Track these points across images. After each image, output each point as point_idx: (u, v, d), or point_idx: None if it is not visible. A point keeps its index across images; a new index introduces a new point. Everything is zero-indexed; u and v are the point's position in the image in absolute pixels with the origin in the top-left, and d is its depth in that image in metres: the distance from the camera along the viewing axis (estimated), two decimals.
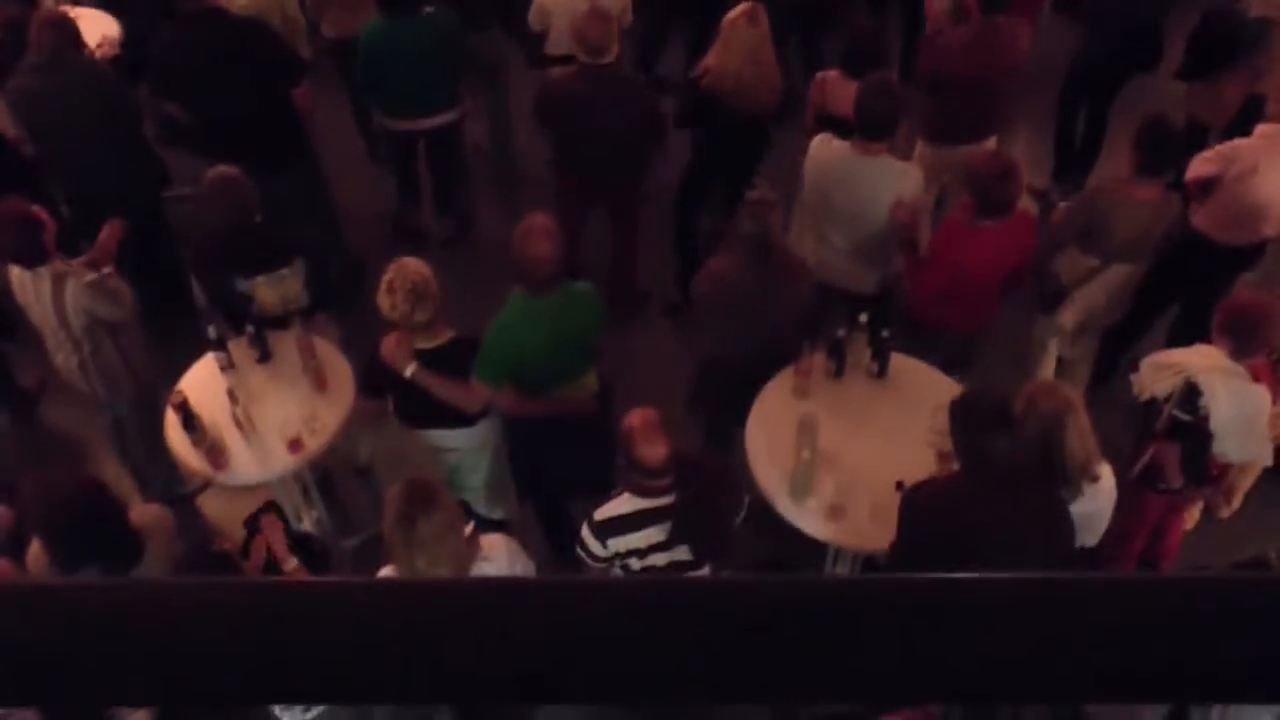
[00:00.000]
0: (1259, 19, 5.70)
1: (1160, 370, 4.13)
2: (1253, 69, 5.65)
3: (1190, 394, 4.01)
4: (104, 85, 5.27)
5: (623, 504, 3.67)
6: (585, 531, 3.71)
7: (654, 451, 3.51)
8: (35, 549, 3.57)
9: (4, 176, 5.23)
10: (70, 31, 5.11)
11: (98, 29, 6.16)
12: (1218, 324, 4.09)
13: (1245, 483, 4.43)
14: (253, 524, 3.95)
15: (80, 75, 5.12)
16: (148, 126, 5.86)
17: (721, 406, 4.58)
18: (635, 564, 3.69)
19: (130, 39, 6.14)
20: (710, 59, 5.30)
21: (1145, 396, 4.15)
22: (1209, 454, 4.10)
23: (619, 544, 3.66)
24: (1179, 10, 6.30)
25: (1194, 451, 4.11)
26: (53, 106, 5.10)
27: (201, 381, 4.55)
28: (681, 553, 3.67)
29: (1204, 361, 4.04)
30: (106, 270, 4.57)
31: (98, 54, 5.83)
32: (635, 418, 3.57)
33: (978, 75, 5.36)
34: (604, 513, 3.68)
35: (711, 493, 3.68)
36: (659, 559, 3.68)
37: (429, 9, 5.60)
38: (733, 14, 5.20)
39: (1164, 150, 4.56)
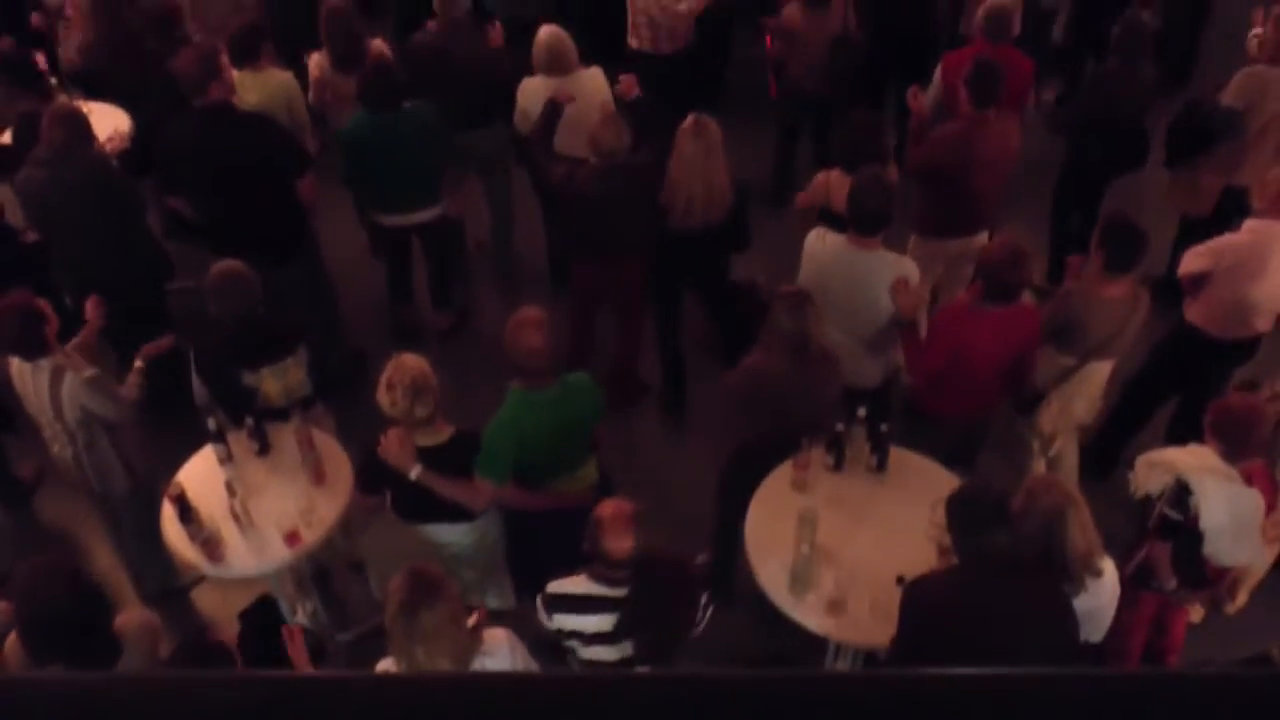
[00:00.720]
0: (1229, 109, 5.84)
1: (1153, 468, 4.13)
2: (1228, 157, 5.76)
3: (1181, 493, 4.00)
4: (108, 178, 5.32)
5: (577, 584, 3.68)
6: (538, 600, 3.74)
7: (620, 544, 3.54)
8: (12, 640, 3.52)
9: (9, 267, 5.28)
10: (80, 126, 5.19)
11: (109, 123, 6.27)
12: (1208, 425, 4.10)
13: (1251, 579, 4.38)
14: (248, 618, 3.89)
15: (85, 169, 5.18)
16: (153, 219, 5.92)
17: (747, 499, 4.54)
18: (579, 649, 3.69)
19: (141, 133, 6.22)
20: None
21: (1140, 494, 4.14)
22: (1201, 554, 4.07)
23: (564, 621, 3.67)
24: (1164, 106, 6.44)
25: (1186, 551, 4.08)
26: (57, 198, 5.16)
27: (199, 474, 4.53)
28: (628, 648, 3.64)
29: (1195, 461, 4.04)
30: (138, 364, 4.61)
31: (108, 148, 5.91)
32: (607, 509, 3.60)
33: (968, 169, 5.43)
34: (557, 587, 3.70)
35: (667, 596, 3.64)
36: (605, 653, 3.65)
37: (409, 104, 5.70)
38: (683, 125, 5.29)
39: (1127, 247, 4.58)
